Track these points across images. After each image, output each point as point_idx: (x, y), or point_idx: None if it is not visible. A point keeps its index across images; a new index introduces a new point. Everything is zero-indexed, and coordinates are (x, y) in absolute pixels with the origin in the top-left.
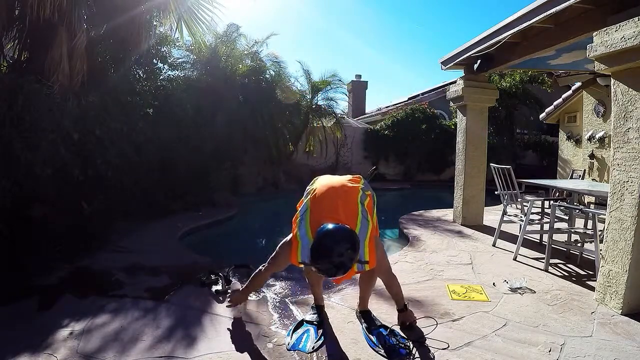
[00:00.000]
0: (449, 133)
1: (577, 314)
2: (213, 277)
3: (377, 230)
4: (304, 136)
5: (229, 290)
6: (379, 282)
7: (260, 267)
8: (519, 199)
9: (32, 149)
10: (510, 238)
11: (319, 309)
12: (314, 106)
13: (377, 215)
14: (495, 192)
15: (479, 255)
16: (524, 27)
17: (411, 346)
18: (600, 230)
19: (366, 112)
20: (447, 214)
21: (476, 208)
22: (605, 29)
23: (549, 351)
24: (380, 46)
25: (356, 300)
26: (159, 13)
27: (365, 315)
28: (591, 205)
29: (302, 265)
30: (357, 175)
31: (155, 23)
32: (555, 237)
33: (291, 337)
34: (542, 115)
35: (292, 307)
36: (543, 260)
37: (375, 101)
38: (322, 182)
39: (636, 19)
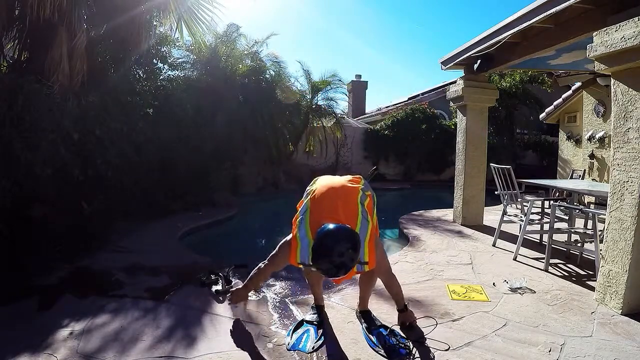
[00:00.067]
0: (449, 133)
1: (577, 314)
2: (213, 277)
3: (377, 231)
4: (304, 136)
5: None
6: (379, 282)
7: (260, 265)
8: (519, 199)
9: (32, 149)
10: (510, 238)
11: (319, 309)
12: (314, 106)
13: (377, 215)
14: (495, 192)
15: (479, 255)
16: (524, 27)
17: (411, 346)
18: (600, 230)
19: (366, 112)
20: (447, 214)
21: (476, 208)
22: (605, 29)
23: (549, 351)
24: (380, 46)
25: (356, 300)
26: (159, 13)
27: (365, 315)
28: (591, 205)
29: (301, 266)
30: (357, 176)
31: (155, 23)
32: (555, 237)
33: (291, 337)
34: (542, 115)
35: (292, 307)
36: (543, 260)
37: (375, 101)
38: (322, 183)
39: (636, 19)
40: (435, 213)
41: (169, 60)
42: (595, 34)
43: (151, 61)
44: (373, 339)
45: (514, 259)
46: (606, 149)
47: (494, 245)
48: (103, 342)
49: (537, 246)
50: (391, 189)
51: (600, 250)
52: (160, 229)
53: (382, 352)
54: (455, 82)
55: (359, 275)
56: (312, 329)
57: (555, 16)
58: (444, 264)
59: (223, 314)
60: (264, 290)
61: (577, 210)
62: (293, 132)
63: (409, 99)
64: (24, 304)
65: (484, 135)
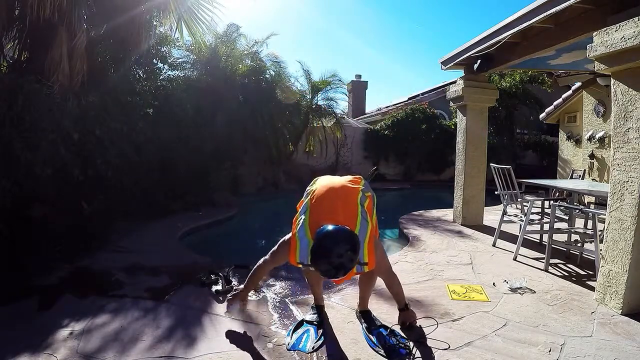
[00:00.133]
0: (449, 133)
1: (577, 314)
2: (213, 277)
3: (376, 232)
4: (304, 136)
5: (233, 289)
6: (380, 282)
7: (260, 261)
8: (519, 199)
9: (32, 149)
10: (510, 238)
11: (319, 309)
12: (314, 106)
13: (377, 216)
14: (495, 192)
15: (479, 255)
16: (524, 27)
17: (411, 346)
18: (600, 230)
19: (366, 112)
20: (447, 214)
21: (476, 208)
22: (605, 29)
23: (549, 351)
24: (380, 46)
25: (356, 300)
26: (159, 13)
27: (365, 315)
28: (591, 205)
29: (300, 266)
30: (358, 176)
31: (155, 23)
32: (555, 237)
33: (291, 337)
34: (542, 115)
35: (292, 307)
36: (543, 260)
37: (375, 101)
38: (322, 183)
39: (636, 19)
40: (435, 213)
41: (169, 60)
42: (595, 34)
43: (151, 61)
44: (373, 339)
45: (514, 259)
46: (606, 149)
47: (494, 245)
48: (103, 342)
49: (537, 246)
50: (391, 189)
51: (600, 250)
52: (160, 229)
53: (382, 352)
54: (455, 82)
55: (359, 275)
56: (312, 329)
57: (555, 16)
58: (444, 264)
59: (223, 314)
60: (264, 290)
61: (577, 210)
62: (293, 132)
63: (409, 99)
64: (24, 304)
65: (484, 135)
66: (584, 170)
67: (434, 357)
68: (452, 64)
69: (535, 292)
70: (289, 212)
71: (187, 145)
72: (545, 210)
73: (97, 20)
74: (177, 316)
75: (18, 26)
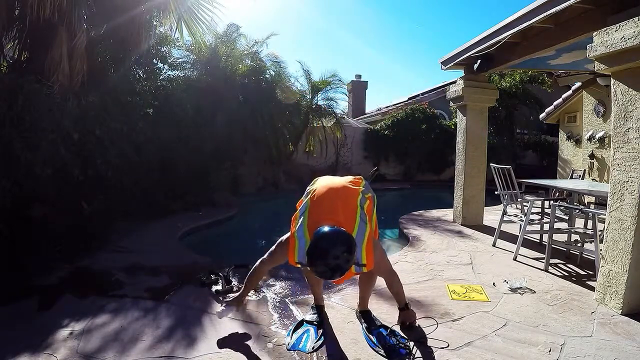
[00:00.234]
0: (449, 133)
1: (577, 314)
2: (213, 277)
3: (376, 233)
4: (304, 136)
5: (233, 289)
6: (380, 282)
7: (257, 263)
8: (519, 199)
9: (32, 149)
10: (510, 238)
11: (319, 309)
12: (314, 106)
13: (377, 216)
14: (495, 192)
15: (479, 255)
16: (524, 27)
17: (411, 346)
18: (600, 230)
19: (366, 112)
20: (447, 214)
21: (476, 208)
22: (605, 29)
23: (549, 351)
24: (380, 46)
25: (356, 300)
26: (159, 13)
27: (365, 315)
28: (591, 205)
29: (299, 266)
30: (358, 177)
31: (155, 23)
32: (555, 237)
33: (291, 337)
34: (542, 115)
35: (292, 307)
36: (543, 260)
37: (375, 101)
38: (323, 183)
39: (636, 19)
40: (435, 213)
41: (169, 60)
42: (595, 34)
43: (151, 61)
44: (373, 339)
45: (514, 259)
46: (606, 149)
47: (494, 245)
48: (103, 342)
49: (537, 246)
50: (391, 189)
51: (600, 250)
52: (160, 229)
53: (382, 352)
54: (455, 82)
55: (359, 275)
56: (312, 329)
57: (555, 16)
58: (444, 264)
59: (217, 317)
60: (264, 290)
61: (577, 210)
62: (293, 132)
63: (409, 99)
64: (24, 304)
65: (484, 135)
66: (584, 170)
67: (434, 357)
68: (452, 64)
69: (535, 292)
70: (289, 212)
71: (187, 145)
72: (545, 210)
73: (97, 20)
74: (177, 316)
75: (18, 26)
